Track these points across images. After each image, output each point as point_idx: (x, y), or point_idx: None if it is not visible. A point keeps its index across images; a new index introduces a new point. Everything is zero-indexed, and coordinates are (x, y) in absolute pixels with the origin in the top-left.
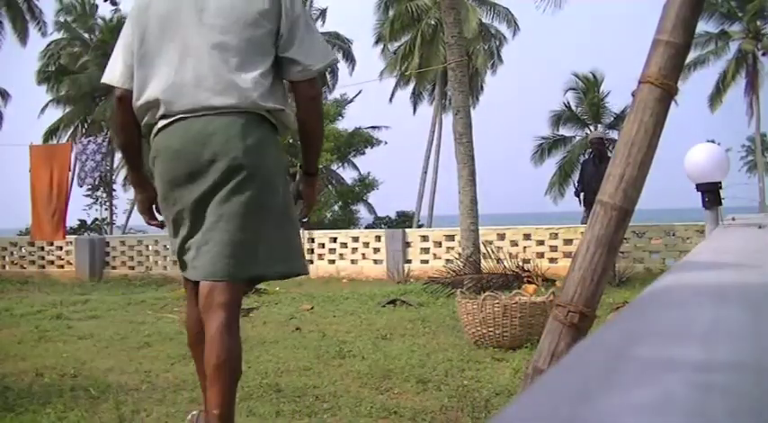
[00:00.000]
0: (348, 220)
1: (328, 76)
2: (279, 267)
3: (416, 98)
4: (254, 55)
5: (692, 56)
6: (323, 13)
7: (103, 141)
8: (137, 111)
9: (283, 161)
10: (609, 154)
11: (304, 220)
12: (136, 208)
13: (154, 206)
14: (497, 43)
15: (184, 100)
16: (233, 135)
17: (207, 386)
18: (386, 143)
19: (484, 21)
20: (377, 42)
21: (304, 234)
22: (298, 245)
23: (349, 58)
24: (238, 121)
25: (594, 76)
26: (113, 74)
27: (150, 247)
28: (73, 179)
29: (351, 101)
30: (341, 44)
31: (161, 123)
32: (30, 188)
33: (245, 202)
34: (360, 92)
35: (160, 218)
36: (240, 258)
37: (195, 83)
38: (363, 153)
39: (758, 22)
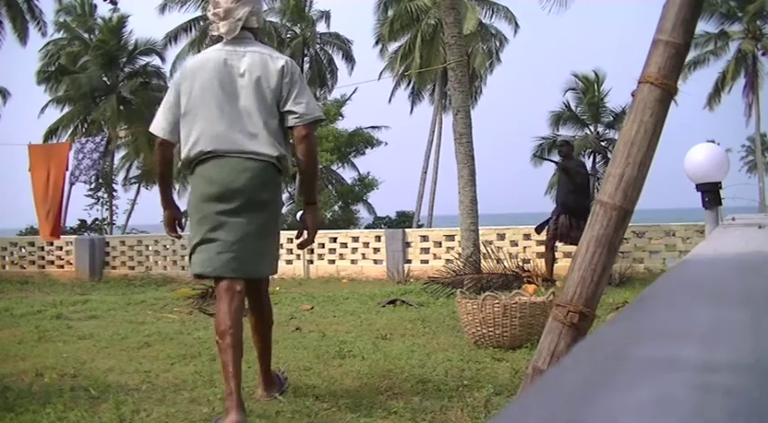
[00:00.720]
0: (348, 220)
1: (328, 76)
2: (270, 270)
3: (416, 98)
4: (268, 113)
5: (691, 55)
6: (325, 15)
7: (101, 141)
8: (183, 149)
9: (281, 195)
10: (609, 155)
11: (304, 247)
12: (163, 222)
13: (177, 222)
14: (497, 43)
15: (220, 144)
16: (256, 177)
17: (256, 338)
18: (386, 144)
19: (483, 21)
20: (377, 43)
21: (303, 234)
22: (277, 251)
23: (349, 58)
24: (261, 166)
25: (596, 76)
26: (158, 127)
27: (150, 248)
28: (65, 180)
29: (348, 99)
30: (341, 45)
31: (201, 157)
32: (31, 188)
33: (261, 225)
34: (356, 90)
35: (180, 232)
36: (263, 262)
37: (228, 132)
38: (363, 153)
39: (758, 22)
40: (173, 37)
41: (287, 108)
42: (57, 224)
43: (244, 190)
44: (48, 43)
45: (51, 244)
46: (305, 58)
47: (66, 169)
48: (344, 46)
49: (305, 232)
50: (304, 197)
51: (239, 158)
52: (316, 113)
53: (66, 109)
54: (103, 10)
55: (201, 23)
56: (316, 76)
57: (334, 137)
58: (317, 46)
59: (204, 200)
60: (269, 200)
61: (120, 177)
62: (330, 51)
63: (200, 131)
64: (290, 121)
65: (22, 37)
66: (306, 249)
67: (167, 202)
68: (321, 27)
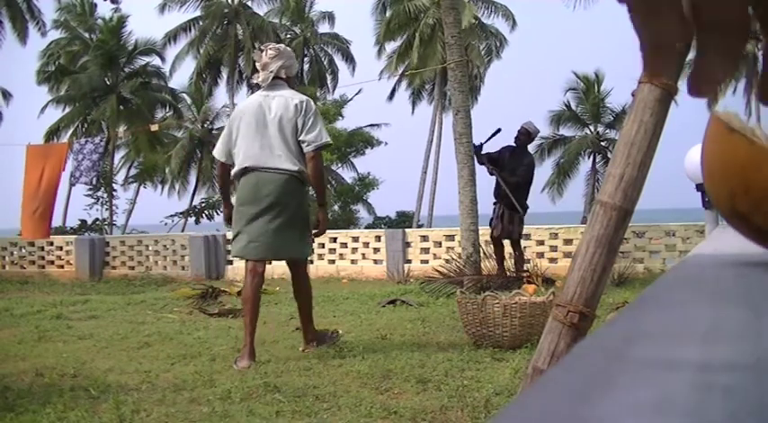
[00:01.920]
0: (348, 220)
1: (329, 78)
2: (298, 253)
3: (416, 98)
4: (288, 140)
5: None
6: (328, 16)
7: (101, 141)
8: (234, 167)
9: (304, 198)
10: (609, 155)
11: (318, 236)
12: (223, 217)
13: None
14: (498, 43)
15: (253, 161)
16: (279, 186)
17: (298, 304)
18: (386, 144)
19: (483, 20)
20: (377, 43)
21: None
22: (307, 239)
23: (348, 58)
24: (283, 178)
25: (596, 75)
26: (219, 152)
27: (150, 247)
28: (61, 179)
29: (350, 100)
30: (340, 45)
31: (242, 172)
32: (22, 187)
33: (282, 222)
34: (360, 91)
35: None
36: (283, 249)
37: (260, 154)
38: (363, 153)
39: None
40: (172, 37)
41: (300, 137)
42: (45, 223)
43: (269, 195)
44: (50, 43)
45: (51, 244)
46: (305, 59)
47: (63, 169)
48: (344, 46)
49: (318, 226)
50: (317, 200)
51: (266, 172)
52: (320, 141)
53: (67, 109)
54: (104, 10)
55: (200, 23)
56: (316, 77)
57: (333, 136)
58: (318, 46)
59: (241, 203)
60: (290, 202)
61: (120, 177)
62: (330, 52)
63: (243, 154)
64: (303, 147)
65: (22, 37)
66: None
67: (226, 203)
68: (325, 27)
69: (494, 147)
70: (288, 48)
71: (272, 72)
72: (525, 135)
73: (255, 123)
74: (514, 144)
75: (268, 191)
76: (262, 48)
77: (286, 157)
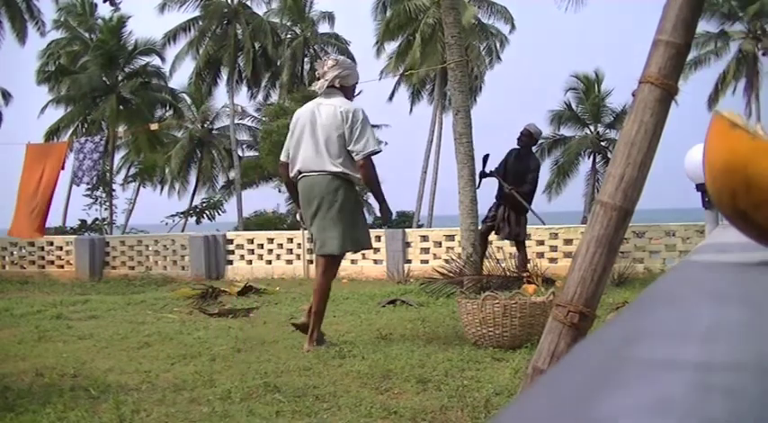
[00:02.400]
0: None
1: None
2: (331, 249)
3: (415, 98)
4: (339, 145)
5: (692, 56)
6: (328, 16)
7: (101, 140)
8: (291, 171)
9: (346, 197)
10: (609, 155)
11: (385, 224)
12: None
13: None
14: (498, 43)
15: (305, 165)
16: (325, 186)
17: (313, 300)
18: (386, 143)
19: (483, 21)
20: (377, 43)
21: (303, 234)
22: (363, 231)
23: (348, 58)
24: (327, 178)
25: (596, 75)
26: (283, 154)
27: (150, 247)
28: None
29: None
30: (339, 45)
31: (299, 176)
32: (18, 186)
33: (332, 218)
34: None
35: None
36: (334, 243)
37: (311, 157)
38: None
39: (759, 22)
40: (171, 37)
41: (349, 147)
42: (41, 220)
43: (317, 196)
44: (50, 43)
45: (51, 244)
46: (305, 59)
47: (62, 168)
48: (343, 46)
49: (383, 218)
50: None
51: (314, 175)
52: (368, 150)
53: (67, 109)
54: (104, 10)
55: (200, 23)
56: (315, 77)
57: None
58: (318, 46)
59: (301, 206)
60: (336, 199)
61: (120, 177)
62: (331, 52)
63: (296, 158)
64: (353, 156)
65: (21, 37)
66: (306, 249)
67: (295, 200)
68: (324, 27)
69: (492, 163)
70: (347, 59)
71: (327, 80)
72: (528, 137)
73: (309, 129)
74: (517, 146)
75: (315, 193)
76: (322, 57)
77: (331, 160)
